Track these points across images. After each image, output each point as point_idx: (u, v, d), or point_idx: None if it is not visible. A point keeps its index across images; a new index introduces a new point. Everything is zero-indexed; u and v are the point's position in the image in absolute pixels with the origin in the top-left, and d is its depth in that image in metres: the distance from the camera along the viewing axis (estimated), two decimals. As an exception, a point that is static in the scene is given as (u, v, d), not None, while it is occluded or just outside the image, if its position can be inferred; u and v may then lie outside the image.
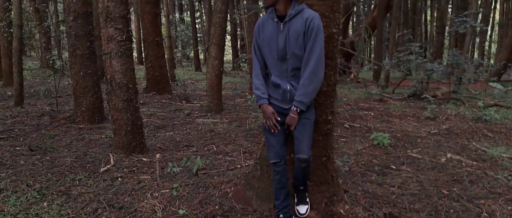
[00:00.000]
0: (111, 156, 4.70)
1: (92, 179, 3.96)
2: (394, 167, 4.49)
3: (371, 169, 4.41)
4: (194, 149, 5.22)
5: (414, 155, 4.96)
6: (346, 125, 6.47)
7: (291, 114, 2.62)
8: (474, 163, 4.63)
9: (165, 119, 7.41)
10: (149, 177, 4.01)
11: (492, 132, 6.33)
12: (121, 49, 4.51)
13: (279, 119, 2.69)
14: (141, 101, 8.99)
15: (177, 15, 31.09)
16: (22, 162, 4.53)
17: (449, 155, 4.94)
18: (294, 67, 2.63)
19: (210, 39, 7.81)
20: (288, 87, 2.66)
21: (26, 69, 16.04)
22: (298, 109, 2.61)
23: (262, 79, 2.76)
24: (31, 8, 16.14)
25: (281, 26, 2.60)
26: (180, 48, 29.47)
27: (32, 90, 11.10)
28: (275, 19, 2.62)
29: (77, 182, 3.87)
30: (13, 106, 7.88)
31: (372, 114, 8.15)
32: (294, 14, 2.57)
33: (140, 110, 8.17)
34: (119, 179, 3.98)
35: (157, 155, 4.01)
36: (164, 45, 11.07)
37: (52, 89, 10.55)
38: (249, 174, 3.32)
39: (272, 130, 2.69)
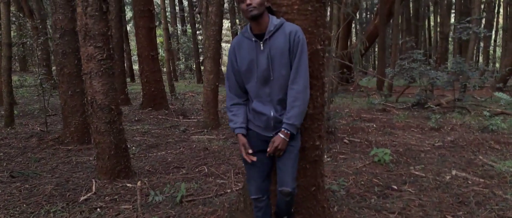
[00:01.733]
0: (94, 182, 4.43)
1: (69, 211, 3.69)
2: (395, 187, 4.18)
3: (371, 190, 4.11)
4: (184, 172, 4.94)
5: (417, 173, 4.65)
6: (345, 140, 6.17)
7: (281, 135, 2.33)
8: (481, 180, 4.31)
9: (159, 137, 7.15)
10: (131, 206, 3.73)
11: (499, 143, 6.00)
12: (102, 69, 4.27)
13: (250, 151, 2.43)
14: (136, 118, 8.76)
15: (179, 27, 31.02)
16: (-1, 191, 4.27)
17: (454, 172, 4.62)
18: (279, 90, 2.35)
19: (205, 53, 7.57)
20: (272, 114, 2.38)
21: (26, 86, 15.90)
22: (289, 132, 2.33)
23: (237, 108, 2.50)
24: (30, 25, 16.05)
25: (261, 45, 2.32)
26: (183, 60, 29.37)
27: (27, 109, 10.91)
28: (253, 39, 2.34)
29: (52, 215, 3.60)
30: (3, 127, 7.66)
31: (374, 125, 7.85)
32: (274, 30, 2.31)
33: (134, 127, 7.96)
34: (98, 209, 3.70)
35: (138, 183, 3.73)
36: (162, 59, 10.87)
37: (47, 108, 10.36)
38: (232, 206, 3.03)
39: (248, 161, 2.42)
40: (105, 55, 4.26)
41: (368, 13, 31.73)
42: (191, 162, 5.37)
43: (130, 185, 4.36)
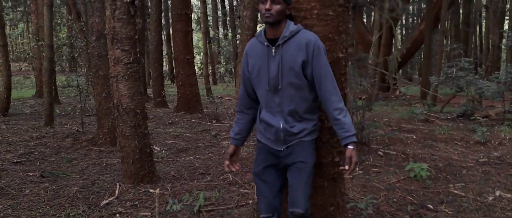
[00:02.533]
0: (118, 186, 4.41)
1: (88, 215, 3.67)
2: (431, 207, 3.87)
3: (403, 208, 3.82)
4: (209, 178, 4.84)
5: (456, 191, 4.30)
6: (380, 152, 5.86)
7: (350, 147, 2.17)
8: (529, 204, 3.91)
9: (190, 141, 7.11)
10: (149, 214, 3.66)
11: (553, 162, 5.48)
12: (128, 72, 4.24)
13: (233, 168, 2.42)
14: (170, 121, 8.80)
15: (221, 30, 31.33)
16: (27, 191, 4.34)
17: (498, 192, 4.23)
18: (290, 100, 2.19)
19: (238, 57, 7.48)
20: (281, 125, 2.22)
21: (72, 86, 16.49)
22: (355, 142, 2.17)
23: (241, 116, 2.40)
24: (77, 27, 16.64)
25: (273, 51, 2.17)
26: (223, 64, 29.61)
27: (69, 108, 11.27)
28: (265, 43, 2.19)
29: (71, 219, 3.59)
30: (43, 126, 7.90)
31: (414, 137, 7.44)
32: (288, 37, 2.14)
33: (167, 130, 7.98)
34: (117, 215, 3.65)
35: (157, 190, 3.65)
36: (199, 63, 10.90)
37: (88, 108, 10.65)
38: (246, 220, 2.88)
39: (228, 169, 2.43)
40: (131, 58, 4.24)
41: (414, 18, 30.68)
42: (217, 169, 5.26)
43: (153, 191, 4.30)
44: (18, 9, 29.37)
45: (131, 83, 4.28)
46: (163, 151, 6.34)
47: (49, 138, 6.94)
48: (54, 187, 4.47)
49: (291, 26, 2.16)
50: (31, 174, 4.96)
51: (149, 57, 13.01)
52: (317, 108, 2.29)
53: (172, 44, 9.60)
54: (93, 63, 6.38)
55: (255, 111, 2.40)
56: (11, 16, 33.06)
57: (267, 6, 2.09)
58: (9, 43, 29.29)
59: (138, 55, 4.31)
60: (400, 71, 25.71)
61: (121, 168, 4.57)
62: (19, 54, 23.48)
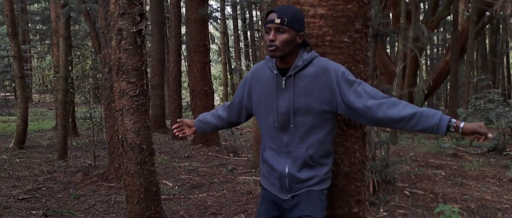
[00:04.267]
0: (121, 227, 4.12)
1: (84, 261, 3.37)
2: (465, 257, 3.42)
3: (433, 258, 3.38)
4: (220, 220, 4.50)
5: (493, 239, 3.82)
6: (406, 191, 5.40)
7: (479, 127, 1.77)
8: None
9: (205, 176, 6.80)
10: (149, 261, 3.33)
11: None
12: (134, 105, 4.01)
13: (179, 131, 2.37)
14: (186, 154, 8.53)
15: (243, 61, 31.40)
16: (26, 231, 4.08)
17: (543, 241, 3.74)
18: (301, 141, 1.87)
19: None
20: (287, 169, 1.89)
21: (85, 119, 16.59)
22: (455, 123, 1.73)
23: (221, 116, 2.22)
24: (99, 59, 16.84)
25: (283, 82, 1.87)
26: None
27: (87, 141, 11.17)
28: (275, 72, 1.89)
29: (63, 266, 3.29)
30: (56, 160, 7.75)
31: (442, 173, 6.94)
32: (301, 66, 1.85)
33: (182, 164, 7.70)
34: (115, 262, 3.34)
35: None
36: (219, 94, 10.71)
37: (106, 140, 10.51)
38: None
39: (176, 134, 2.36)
40: (138, 91, 4.01)
41: (440, 48, 30.10)
42: (230, 208, 4.91)
43: (158, 233, 3.98)
44: (46, 42, 30.24)
45: (136, 117, 4.03)
46: (176, 187, 6.05)
47: (60, 172, 6.75)
48: (55, 227, 4.20)
49: (304, 54, 1.87)
50: (34, 212, 4.73)
51: (169, 88, 12.93)
52: (332, 151, 1.96)
53: (189, 76, 9.44)
54: (105, 95, 6.23)
55: (225, 124, 2.23)
56: (39, 48, 34.08)
57: (271, 36, 1.81)
58: (35, 75, 30.06)
59: (145, 88, 4.08)
60: (426, 102, 25.02)
61: (126, 208, 4.28)
62: (38, 87, 23.94)
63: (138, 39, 3.98)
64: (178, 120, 2.35)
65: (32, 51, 33.34)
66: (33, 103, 26.77)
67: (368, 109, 1.76)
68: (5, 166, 7.14)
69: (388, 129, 7.55)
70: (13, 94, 22.00)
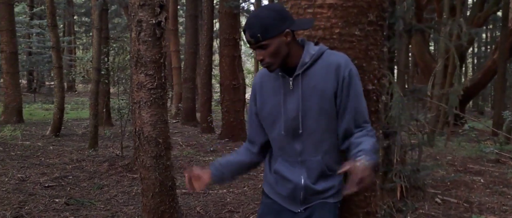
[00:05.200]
0: (136, 221, 4.07)
1: (93, 254, 3.33)
2: None
3: None
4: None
5: (532, 257, 3.48)
6: (438, 199, 5.07)
7: (359, 163, 1.53)
8: None
9: (229, 172, 6.69)
10: (157, 258, 3.24)
11: None
12: (152, 98, 3.93)
13: (191, 187, 1.83)
14: (212, 148, 8.46)
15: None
16: (44, 220, 4.11)
17: None
18: (315, 148, 1.68)
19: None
20: (302, 181, 1.70)
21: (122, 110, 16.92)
22: (373, 161, 1.56)
23: (248, 150, 1.88)
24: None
25: (291, 83, 1.68)
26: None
27: (119, 131, 11.35)
28: (280, 73, 1.71)
29: (71, 258, 3.26)
30: (87, 149, 7.88)
31: (482, 180, 6.50)
32: (310, 63, 1.65)
33: (207, 159, 7.63)
34: (123, 257, 3.28)
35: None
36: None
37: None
38: None
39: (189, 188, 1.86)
40: (155, 84, 3.93)
41: (487, 46, 28.65)
42: (249, 206, 4.78)
43: (171, 230, 3.90)
44: (90, 34, 31.17)
45: (154, 110, 3.96)
46: (198, 181, 5.97)
47: (88, 161, 6.84)
48: None
49: (311, 48, 1.67)
50: (57, 200, 4.77)
51: (200, 82, 12.96)
52: (346, 156, 1.76)
53: (219, 70, 9.37)
54: (131, 87, 6.22)
55: (261, 157, 1.90)
56: (84, 40, 35.25)
57: (258, 57, 1.65)
58: (79, 66, 31.08)
59: (163, 81, 3.99)
60: (470, 102, 23.85)
61: (141, 201, 4.23)
62: (81, 77, 24.66)
63: (157, 31, 3.89)
64: (185, 172, 1.84)
65: (77, 42, 34.59)
66: (76, 92, 27.72)
67: (343, 133, 1.71)
68: (38, 153, 7.32)
69: (425, 130, 7.16)
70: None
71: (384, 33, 1.80)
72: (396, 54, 4.55)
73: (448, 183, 6.12)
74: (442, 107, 8.62)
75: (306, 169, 1.70)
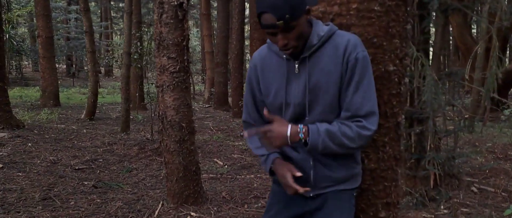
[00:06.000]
0: (160, 205, 4.07)
1: (115, 237, 3.34)
2: None
3: None
4: (261, 204, 4.29)
5: None
6: (474, 188, 4.80)
7: (284, 126, 1.49)
8: None
9: (257, 157, 6.63)
10: (178, 243, 3.22)
11: None
12: (174, 82, 3.89)
13: (301, 174, 1.57)
14: (242, 133, 8.41)
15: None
16: (72, 203, 4.18)
17: None
18: None
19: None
20: (311, 163, 1.59)
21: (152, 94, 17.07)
22: (305, 140, 1.48)
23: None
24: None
25: (296, 66, 1.55)
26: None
27: (153, 115, 11.50)
28: (285, 56, 1.57)
29: (94, 241, 3.28)
30: (119, 132, 8.01)
31: (523, 169, 6.12)
32: (318, 45, 1.51)
33: (236, 143, 7.59)
34: (145, 241, 3.28)
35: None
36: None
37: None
38: None
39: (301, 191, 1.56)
40: (178, 67, 3.87)
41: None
42: (275, 193, 4.68)
43: (195, 214, 3.88)
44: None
45: (177, 94, 3.91)
46: (226, 166, 5.95)
47: (119, 145, 6.95)
48: (99, 200, 4.26)
49: (320, 28, 1.52)
50: (86, 183, 4.85)
51: (231, 66, 12.91)
52: None
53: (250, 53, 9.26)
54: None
55: None
56: (121, 25, 35.93)
57: (281, 42, 1.46)
58: (117, 51, 31.77)
59: (186, 64, 3.93)
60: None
61: (166, 185, 4.23)
62: (118, 62, 25.16)
63: (179, 12, 3.82)
64: (294, 188, 1.55)
65: (114, 28, 35.35)
66: (113, 77, 28.40)
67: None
68: (72, 136, 7.51)
69: (464, 116, 6.81)
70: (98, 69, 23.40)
71: (408, 8, 1.63)
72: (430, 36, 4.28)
73: (487, 171, 5.80)
74: (483, 92, 8.17)
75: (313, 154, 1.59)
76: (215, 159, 6.23)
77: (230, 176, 5.41)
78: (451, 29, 14.60)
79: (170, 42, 3.83)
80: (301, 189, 1.53)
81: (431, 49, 5.10)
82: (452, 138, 5.08)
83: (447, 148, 4.86)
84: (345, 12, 1.60)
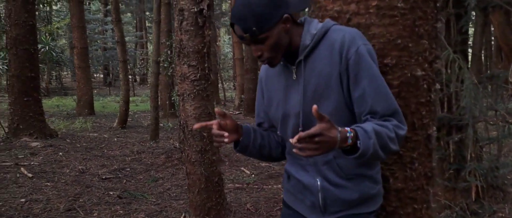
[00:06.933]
0: (183, 217, 3.95)
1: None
2: None
3: None
4: (288, 217, 4.09)
5: None
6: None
7: (336, 131, 1.17)
8: None
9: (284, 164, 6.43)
10: (197, 260, 3.07)
11: None
12: (195, 90, 3.76)
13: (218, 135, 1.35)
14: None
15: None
16: (95, 214, 4.13)
17: None
18: None
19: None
20: (318, 183, 1.39)
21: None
22: (354, 145, 1.20)
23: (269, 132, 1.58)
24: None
25: (294, 72, 1.38)
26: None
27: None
28: (281, 62, 1.42)
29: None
30: (148, 140, 8.01)
31: None
32: (312, 45, 1.33)
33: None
34: (163, 257, 3.15)
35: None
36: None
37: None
38: None
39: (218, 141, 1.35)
40: (199, 75, 3.75)
41: None
42: (303, 205, 4.47)
43: (217, 228, 3.73)
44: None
45: (197, 103, 3.79)
46: (253, 175, 5.78)
47: (147, 153, 6.92)
48: (122, 212, 4.19)
49: (312, 27, 1.35)
50: (111, 193, 4.81)
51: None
52: None
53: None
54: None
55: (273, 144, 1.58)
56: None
57: (255, 54, 1.34)
58: (151, 60, 32.38)
59: (207, 71, 3.80)
60: None
61: (188, 197, 4.10)
62: (144, 69, 25.59)
63: (199, 19, 3.70)
64: (218, 110, 1.38)
65: (149, 37, 36.04)
66: (148, 85, 28.89)
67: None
68: (102, 145, 7.56)
69: (508, 121, 6.35)
70: (133, 77, 23.86)
71: (437, 4, 1.41)
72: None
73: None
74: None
75: (321, 171, 1.39)
76: (242, 168, 6.08)
77: (256, 186, 5.23)
78: (492, 28, 13.89)
79: (190, 50, 3.71)
80: (226, 139, 1.31)
81: (470, 50, 4.77)
82: (495, 146, 4.71)
83: (490, 157, 4.49)
84: (364, 11, 1.40)
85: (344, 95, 1.30)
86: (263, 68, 1.54)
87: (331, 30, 1.32)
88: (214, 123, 1.35)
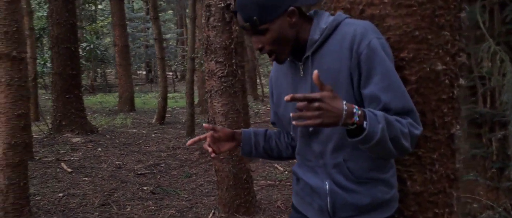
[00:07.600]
0: (211, 214, 3.95)
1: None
2: None
3: None
4: (318, 215, 4.00)
5: None
6: None
7: (344, 103, 1.08)
8: None
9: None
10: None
11: None
12: (222, 87, 3.74)
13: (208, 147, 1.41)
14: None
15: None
16: (128, 209, 4.21)
17: None
18: (336, 148, 1.28)
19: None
20: (327, 186, 1.31)
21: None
22: (360, 125, 1.09)
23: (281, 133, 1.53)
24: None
25: (301, 69, 1.30)
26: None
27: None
28: (289, 58, 1.34)
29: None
30: (185, 136, 8.11)
31: None
32: (321, 40, 1.25)
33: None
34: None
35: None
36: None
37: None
38: None
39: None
40: (226, 71, 3.72)
41: None
42: (335, 203, 4.36)
43: (245, 225, 3.70)
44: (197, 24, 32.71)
45: (225, 99, 3.76)
46: (286, 172, 5.71)
47: (182, 149, 7.01)
48: (153, 207, 4.25)
49: (322, 21, 1.26)
50: (145, 188, 4.90)
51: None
52: (390, 160, 1.31)
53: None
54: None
55: (284, 142, 1.52)
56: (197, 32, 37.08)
57: (255, 46, 1.27)
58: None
59: (235, 68, 3.77)
60: None
61: (217, 193, 4.10)
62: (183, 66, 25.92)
63: (226, 15, 3.68)
64: (206, 125, 1.38)
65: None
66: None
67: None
68: (140, 141, 7.73)
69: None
70: (174, 74, 24.30)
71: (462, -9, 1.29)
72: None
73: None
74: None
75: (330, 174, 1.31)
76: (275, 165, 6.02)
77: (288, 183, 5.16)
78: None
79: (218, 46, 3.69)
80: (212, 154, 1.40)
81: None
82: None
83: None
84: (378, 1, 1.30)
85: (354, 92, 1.22)
86: (274, 66, 1.47)
87: (342, 24, 1.23)
88: (207, 136, 1.39)
